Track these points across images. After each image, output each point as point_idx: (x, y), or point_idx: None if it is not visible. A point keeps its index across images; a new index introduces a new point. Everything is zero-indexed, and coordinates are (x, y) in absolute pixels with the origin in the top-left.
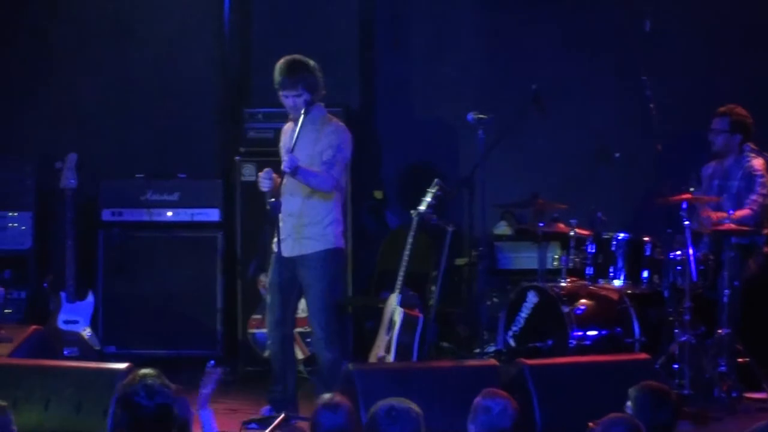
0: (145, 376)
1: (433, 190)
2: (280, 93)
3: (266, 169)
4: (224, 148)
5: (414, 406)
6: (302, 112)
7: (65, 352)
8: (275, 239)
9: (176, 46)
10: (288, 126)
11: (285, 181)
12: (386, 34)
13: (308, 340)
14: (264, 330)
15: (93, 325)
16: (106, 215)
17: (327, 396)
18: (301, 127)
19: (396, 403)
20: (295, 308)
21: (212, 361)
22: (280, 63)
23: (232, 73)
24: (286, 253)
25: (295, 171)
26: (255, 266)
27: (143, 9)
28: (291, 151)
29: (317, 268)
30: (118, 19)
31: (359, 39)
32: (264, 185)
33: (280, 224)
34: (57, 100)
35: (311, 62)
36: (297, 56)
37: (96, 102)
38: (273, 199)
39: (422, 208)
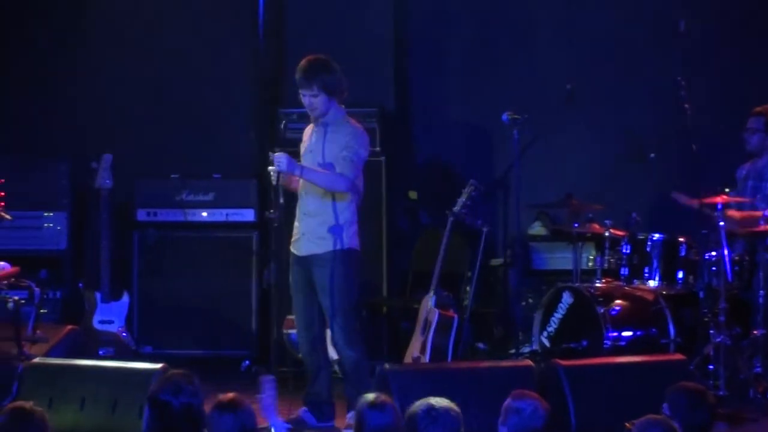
0: (173, 374)
1: (468, 191)
2: (299, 91)
3: (280, 153)
4: (259, 148)
5: (453, 406)
6: (319, 113)
7: (100, 352)
8: (291, 240)
9: (211, 47)
10: (310, 127)
11: (302, 181)
12: (421, 34)
13: None
14: None
15: (128, 325)
16: (141, 215)
17: (371, 395)
18: (319, 128)
19: (435, 402)
20: (321, 308)
21: (246, 361)
22: (301, 62)
23: (267, 73)
24: (301, 253)
25: (293, 171)
26: (273, 271)
27: (178, 9)
28: (310, 152)
29: (329, 268)
30: (153, 20)
31: (394, 39)
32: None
33: (297, 224)
34: (92, 101)
35: (333, 63)
36: (319, 56)
37: (131, 102)
38: (271, 211)
39: (457, 208)
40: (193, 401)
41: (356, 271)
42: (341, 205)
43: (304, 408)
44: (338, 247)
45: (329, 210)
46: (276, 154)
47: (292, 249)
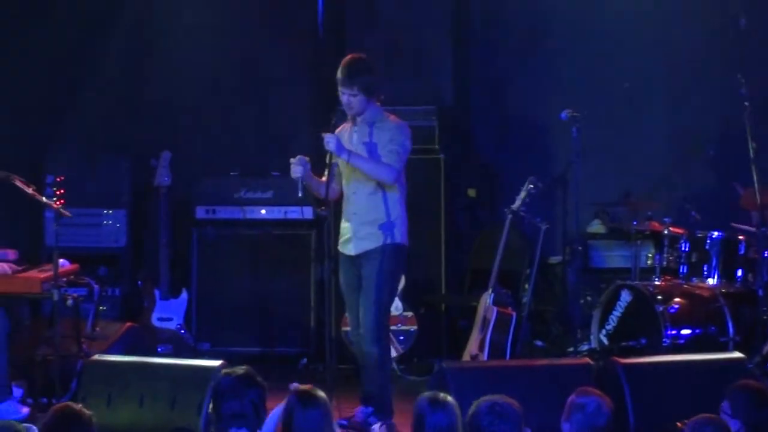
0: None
1: (527, 188)
2: (339, 88)
3: (299, 156)
4: (317, 146)
5: (514, 403)
6: (355, 112)
7: (159, 350)
8: (340, 240)
9: (271, 45)
10: (345, 127)
11: (348, 181)
12: (480, 31)
13: (401, 338)
14: None
15: (187, 322)
16: (200, 213)
17: (431, 394)
18: (361, 127)
19: (498, 399)
20: None
21: (304, 359)
22: (344, 59)
23: (326, 71)
24: (351, 252)
25: (341, 153)
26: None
27: (240, 10)
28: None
29: (378, 262)
30: (213, 18)
31: (453, 37)
32: (295, 171)
33: (346, 224)
34: (152, 99)
35: (374, 64)
36: (361, 56)
37: (191, 100)
38: (323, 208)
39: (515, 206)
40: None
41: (402, 267)
42: (391, 202)
43: (362, 407)
44: (388, 241)
45: (380, 207)
46: (326, 135)
47: (342, 249)
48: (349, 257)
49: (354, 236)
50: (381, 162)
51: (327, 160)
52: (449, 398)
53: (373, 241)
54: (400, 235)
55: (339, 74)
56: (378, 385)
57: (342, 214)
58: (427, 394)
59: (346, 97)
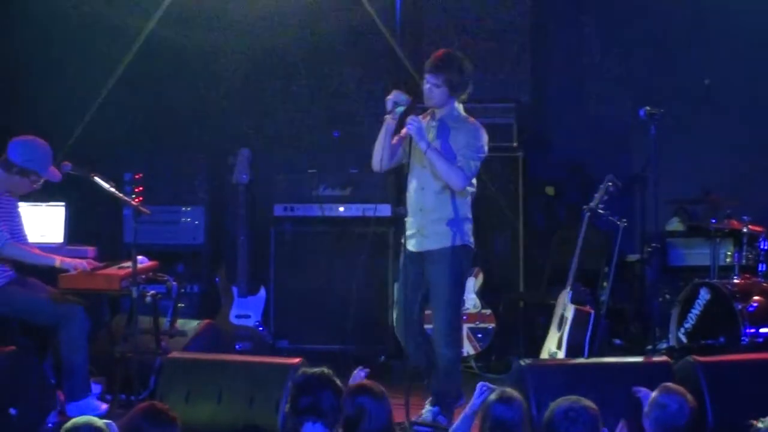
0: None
1: (605, 186)
2: (425, 75)
3: (396, 92)
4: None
5: (590, 404)
6: (434, 104)
7: (237, 347)
8: (404, 235)
9: (348, 44)
10: (423, 119)
11: (416, 174)
12: (558, 29)
13: (479, 335)
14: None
15: (265, 319)
16: (278, 210)
17: (500, 389)
18: (440, 125)
19: (574, 404)
20: (424, 306)
21: (382, 356)
22: (439, 52)
23: (404, 70)
24: (415, 249)
25: (419, 141)
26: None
27: (318, 7)
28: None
29: (445, 264)
30: (290, 18)
31: (531, 35)
32: (395, 99)
33: (410, 219)
34: (230, 96)
35: (468, 64)
36: (457, 53)
37: (269, 98)
38: (400, 206)
39: (594, 203)
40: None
41: (468, 268)
42: (459, 201)
43: (429, 406)
44: (456, 242)
45: (447, 205)
46: (411, 117)
47: (407, 245)
48: (413, 253)
49: (419, 233)
50: (455, 165)
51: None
52: (517, 395)
53: (439, 241)
54: (465, 236)
55: (427, 63)
56: (447, 385)
57: (407, 207)
58: (496, 390)
59: (429, 86)
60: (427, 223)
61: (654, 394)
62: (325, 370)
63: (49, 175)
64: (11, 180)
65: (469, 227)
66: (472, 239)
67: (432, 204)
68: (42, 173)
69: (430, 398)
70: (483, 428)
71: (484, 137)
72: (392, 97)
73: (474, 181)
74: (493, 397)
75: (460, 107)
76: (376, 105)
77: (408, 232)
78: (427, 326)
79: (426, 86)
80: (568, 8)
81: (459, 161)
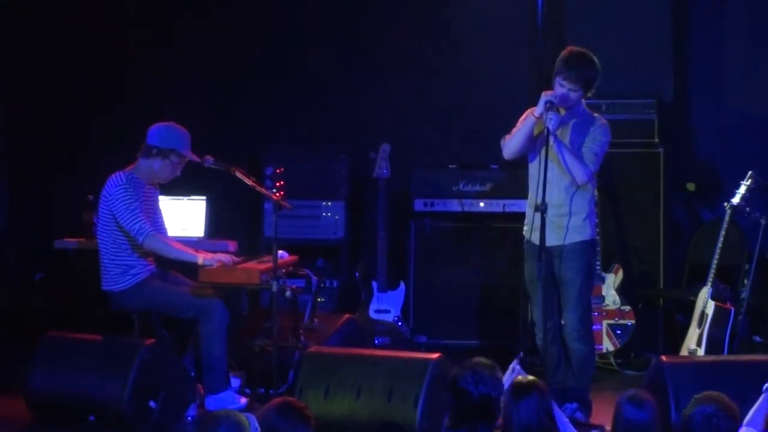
0: (477, 364)
1: (747, 183)
2: (557, 79)
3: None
4: None
5: (730, 405)
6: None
7: (376, 342)
8: (527, 227)
9: (490, 41)
10: (530, 112)
11: (546, 169)
12: (700, 23)
13: (618, 332)
14: None
15: (404, 314)
16: (418, 205)
17: (631, 390)
18: (567, 118)
19: (716, 408)
20: (558, 299)
21: (520, 353)
22: (570, 52)
23: (545, 67)
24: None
25: (554, 133)
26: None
27: (459, 3)
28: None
29: (575, 260)
30: (429, 12)
31: (672, 29)
32: (550, 99)
33: (533, 213)
34: (371, 90)
35: (596, 60)
36: (585, 51)
37: (410, 92)
38: (541, 203)
39: (735, 200)
40: (492, 393)
41: (595, 262)
42: (585, 195)
43: (566, 403)
44: (583, 238)
45: (574, 201)
46: (551, 113)
47: (531, 239)
48: (538, 247)
49: (547, 228)
50: (580, 159)
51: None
52: (649, 397)
53: (567, 236)
54: (591, 230)
55: (563, 66)
56: (578, 381)
57: (530, 201)
58: (629, 390)
59: (566, 90)
60: (557, 219)
61: None
62: (486, 365)
63: (191, 154)
64: (152, 165)
65: (594, 221)
66: (596, 233)
67: (557, 198)
68: (182, 150)
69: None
70: (615, 430)
71: (609, 132)
72: (547, 97)
73: (595, 177)
74: (625, 397)
75: (583, 102)
76: (517, 100)
77: (532, 226)
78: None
79: (561, 90)
80: (711, 1)
81: (584, 155)
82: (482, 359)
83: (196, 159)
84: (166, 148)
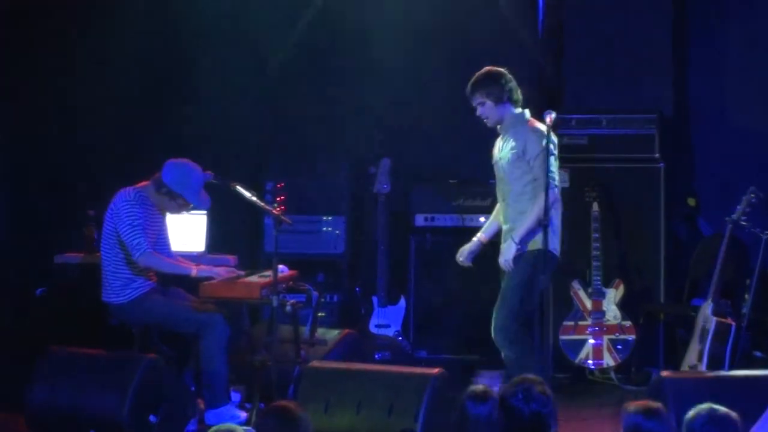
0: (526, 380)
1: (748, 198)
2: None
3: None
4: None
5: (732, 413)
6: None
7: (376, 356)
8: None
9: (488, 50)
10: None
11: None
12: (700, 37)
13: (619, 347)
14: (575, 336)
15: (404, 329)
16: (419, 220)
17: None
18: (502, 135)
19: (715, 409)
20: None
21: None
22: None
23: (546, 78)
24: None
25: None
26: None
27: (455, 15)
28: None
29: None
30: (427, 24)
31: (673, 45)
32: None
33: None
34: (370, 106)
35: (498, 73)
36: (488, 69)
37: (410, 107)
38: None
39: (736, 215)
40: (543, 411)
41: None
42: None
43: None
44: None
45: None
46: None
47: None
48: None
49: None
50: (527, 213)
51: None
52: (659, 405)
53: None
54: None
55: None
56: None
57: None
58: (637, 403)
59: (477, 109)
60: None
61: None
62: (537, 382)
63: (198, 202)
64: (159, 198)
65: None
66: None
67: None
68: (189, 199)
69: None
70: None
71: (541, 139)
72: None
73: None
74: (634, 410)
75: (518, 111)
76: None
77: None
78: None
79: (476, 112)
80: (710, 16)
81: (535, 173)
82: (530, 375)
83: (204, 205)
84: (176, 192)
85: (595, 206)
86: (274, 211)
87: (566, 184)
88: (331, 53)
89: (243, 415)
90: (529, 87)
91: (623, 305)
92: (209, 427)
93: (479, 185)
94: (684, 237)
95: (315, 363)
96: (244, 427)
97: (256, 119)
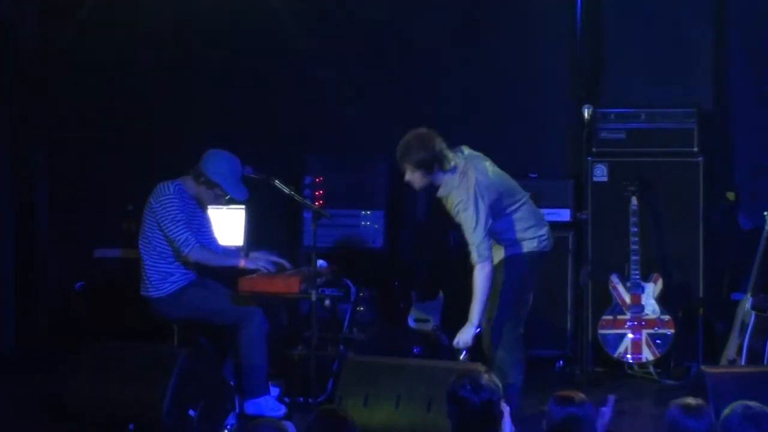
0: (472, 371)
1: None
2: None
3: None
4: (575, 148)
5: (766, 409)
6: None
7: (415, 351)
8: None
9: (529, 47)
10: None
11: None
12: (740, 31)
13: (658, 341)
14: (614, 331)
15: (443, 323)
16: None
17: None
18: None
19: (749, 406)
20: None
21: (560, 362)
22: (400, 143)
23: (584, 73)
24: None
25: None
26: (587, 272)
27: (498, 8)
28: None
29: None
30: (471, 19)
31: (712, 38)
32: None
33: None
34: (407, 100)
35: (426, 137)
36: (415, 133)
37: (446, 101)
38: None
39: None
40: (492, 398)
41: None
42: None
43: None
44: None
45: None
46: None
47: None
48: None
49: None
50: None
51: None
52: (702, 403)
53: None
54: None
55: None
56: None
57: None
58: (679, 400)
59: (408, 177)
60: None
61: None
62: (482, 372)
63: (234, 192)
64: (198, 189)
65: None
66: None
67: None
68: (226, 189)
69: None
70: None
71: (467, 196)
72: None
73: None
74: (678, 409)
75: (448, 171)
76: (555, 108)
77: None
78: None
79: (407, 178)
80: (750, 11)
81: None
82: (476, 365)
83: (241, 196)
84: (214, 181)
85: (634, 200)
86: (313, 206)
87: (605, 178)
88: (369, 48)
89: (283, 407)
90: (568, 83)
91: (662, 299)
92: (248, 417)
93: (520, 179)
94: (723, 231)
95: (354, 357)
96: (284, 421)
97: (296, 113)
